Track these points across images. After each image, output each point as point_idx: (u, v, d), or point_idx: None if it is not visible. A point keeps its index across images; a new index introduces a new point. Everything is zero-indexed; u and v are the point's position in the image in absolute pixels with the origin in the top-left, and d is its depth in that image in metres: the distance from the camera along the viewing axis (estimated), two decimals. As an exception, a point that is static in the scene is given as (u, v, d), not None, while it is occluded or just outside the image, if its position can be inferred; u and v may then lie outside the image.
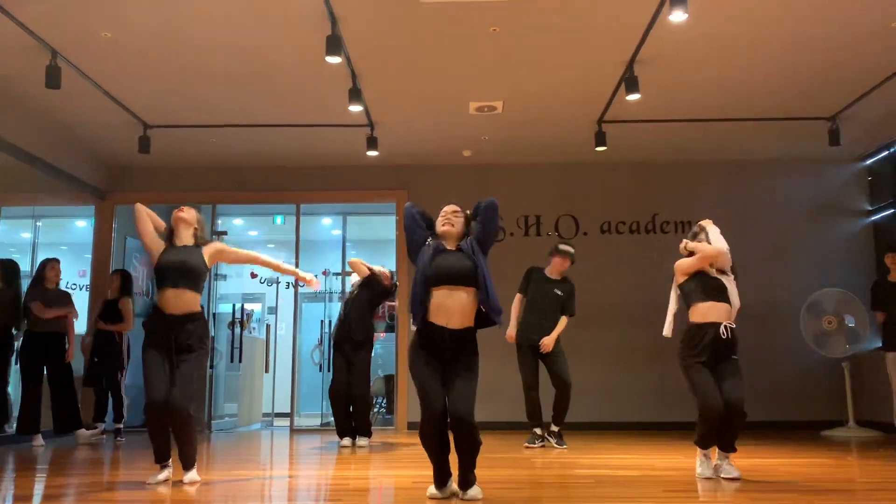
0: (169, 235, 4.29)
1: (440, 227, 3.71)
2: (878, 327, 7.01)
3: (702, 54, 5.83)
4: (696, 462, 4.33)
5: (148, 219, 4.27)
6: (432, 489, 3.62)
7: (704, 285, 4.37)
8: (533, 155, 8.29)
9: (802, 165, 8.41)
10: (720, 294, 4.34)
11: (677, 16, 4.69)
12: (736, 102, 6.82)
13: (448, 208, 3.78)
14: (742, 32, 5.48)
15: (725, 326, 4.27)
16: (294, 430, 8.21)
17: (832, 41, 5.60)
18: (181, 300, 4.08)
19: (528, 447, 6.06)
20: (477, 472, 3.57)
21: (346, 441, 6.26)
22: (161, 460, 4.10)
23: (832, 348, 7.42)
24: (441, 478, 3.59)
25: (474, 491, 3.52)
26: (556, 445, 6.07)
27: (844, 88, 6.50)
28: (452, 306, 3.52)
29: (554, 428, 6.16)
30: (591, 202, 8.48)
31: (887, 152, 8.03)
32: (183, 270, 4.10)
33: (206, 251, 4.27)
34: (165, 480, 4.08)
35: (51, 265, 6.80)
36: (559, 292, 6.20)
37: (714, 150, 8.15)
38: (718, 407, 4.10)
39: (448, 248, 3.66)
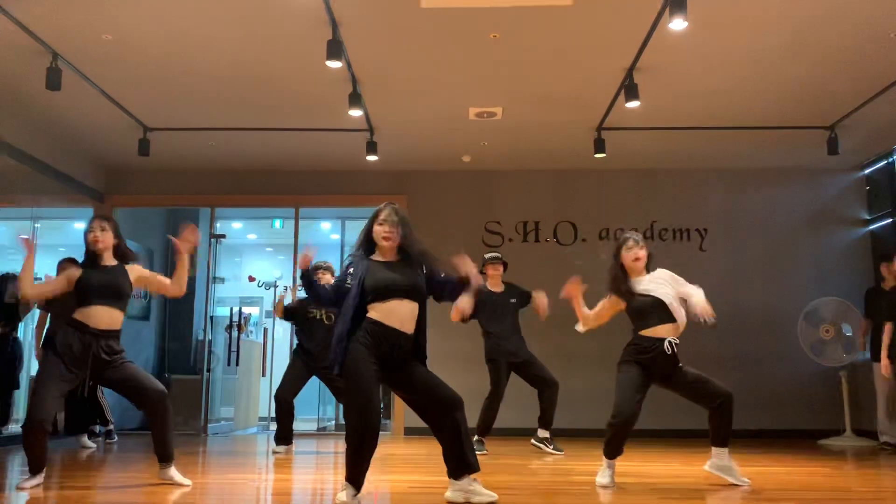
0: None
1: (380, 239, 3.61)
2: (865, 335, 7.13)
3: (701, 62, 5.84)
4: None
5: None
6: (345, 496, 3.40)
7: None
8: (532, 161, 8.30)
9: (801, 174, 8.42)
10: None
11: (677, 24, 4.71)
12: (735, 111, 6.83)
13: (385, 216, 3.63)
14: (741, 41, 5.50)
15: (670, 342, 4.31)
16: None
17: (831, 51, 5.62)
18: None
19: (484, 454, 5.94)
20: (474, 477, 3.57)
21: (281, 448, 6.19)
22: (38, 470, 4.06)
23: (829, 357, 7.42)
24: (360, 481, 3.43)
25: (487, 497, 3.50)
26: (553, 452, 6.05)
27: (843, 98, 6.52)
28: (405, 313, 3.50)
29: (545, 433, 6.14)
30: (590, 209, 8.49)
31: (885, 162, 8.05)
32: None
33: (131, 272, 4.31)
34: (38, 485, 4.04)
35: (60, 267, 6.83)
36: (514, 300, 6.24)
37: (713, 158, 8.16)
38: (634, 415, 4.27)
39: (386, 260, 3.61)
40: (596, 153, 7.27)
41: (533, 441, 6.18)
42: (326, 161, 8.26)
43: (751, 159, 8.16)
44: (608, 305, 4.47)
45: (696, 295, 4.20)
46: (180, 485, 4.11)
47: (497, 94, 6.53)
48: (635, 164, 8.32)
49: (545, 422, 6.15)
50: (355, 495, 3.40)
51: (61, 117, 6.97)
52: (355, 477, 3.40)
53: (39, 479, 4.07)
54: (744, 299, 8.06)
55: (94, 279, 4.17)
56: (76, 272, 4.22)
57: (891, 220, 7.95)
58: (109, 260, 4.28)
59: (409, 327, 3.51)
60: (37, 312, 8.05)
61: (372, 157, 7.45)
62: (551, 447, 6.08)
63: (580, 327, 4.61)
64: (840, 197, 8.45)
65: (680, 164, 8.34)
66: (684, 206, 8.45)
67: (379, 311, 3.47)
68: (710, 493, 4.07)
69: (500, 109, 6.83)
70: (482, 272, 6.31)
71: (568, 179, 8.54)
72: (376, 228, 3.61)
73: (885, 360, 6.22)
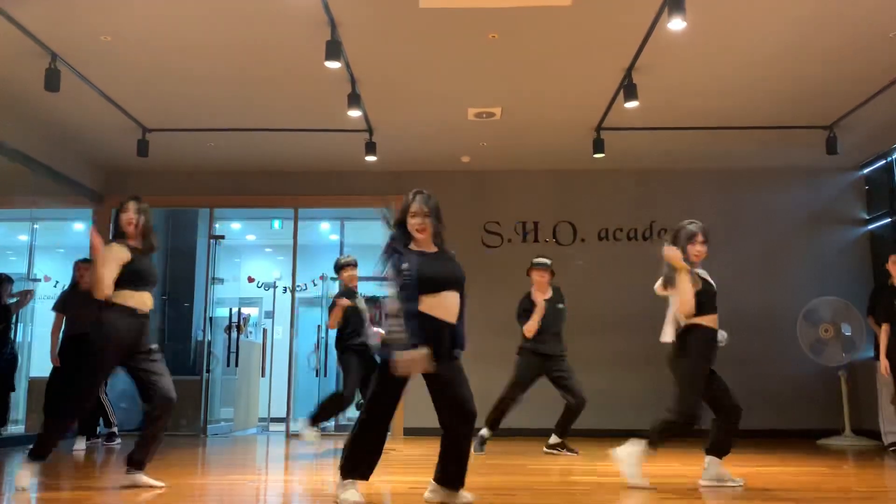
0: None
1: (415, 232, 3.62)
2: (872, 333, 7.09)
3: (700, 63, 5.85)
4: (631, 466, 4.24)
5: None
6: (350, 494, 3.52)
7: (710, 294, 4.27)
8: (531, 161, 8.30)
9: (800, 174, 8.43)
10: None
11: (676, 23, 4.71)
12: (734, 111, 6.83)
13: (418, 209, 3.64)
14: (740, 41, 5.50)
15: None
16: (290, 435, 8.20)
17: (831, 50, 5.62)
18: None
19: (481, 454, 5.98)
20: (471, 478, 3.58)
21: None
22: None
23: (828, 357, 7.42)
24: (353, 471, 3.57)
25: (467, 497, 3.54)
26: (568, 453, 6.07)
27: (842, 97, 6.52)
28: (452, 304, 3.53)
29: (557, 440, 6.13)
30: (589, 209, 8.49)
31: (884, 161, 8.05)
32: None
33: None
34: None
35: (77, 267, 6.88)
36: (560, 305, 6.21)
37: (712, 158, 8.17)
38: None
39: (427, 250, 3.63)
40: (595, 153, 7.28)
41: (545, 449, 6.15)
42: (325, 162, 8.26)
43: (750, 159, 8.16)
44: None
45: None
46: (152, 486, 4.07)
47: (496, 95, 6.53)
48: (634, 164, 8.32)
49: (560, 429, 6.13)
50: (345, 483, 3.48)
51: (60, 118, 6.97)
52: (347, 467, 3.48)
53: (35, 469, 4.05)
54: (743, 299, 8.06)
55: (142, 264, 4.18)
56: (124, 254, 4.12)
57: (889, 219, 7.95)
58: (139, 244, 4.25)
59: (454, 318, 3.54)
60: (35, 313, 8.06)
61: (371, 158, 7.45)
62: (564, 451, 6.08)
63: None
64: (839, 197, 8.46)
65: (679, 164, 8.35)
66: (683, 206, 8.44)
67: (428, 304, 3.48)
68: (707, 492, 4.07)
69: (499, 109, 6.83)
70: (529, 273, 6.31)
71: (567, 180, 8.54)
72: (410, 221, 3.63)
73: (883, 361, 6.23)
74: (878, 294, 7.09)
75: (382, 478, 4.80)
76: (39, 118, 6.91)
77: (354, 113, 6.40)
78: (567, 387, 6.06)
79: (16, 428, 7.57)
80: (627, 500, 3.88)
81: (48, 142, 7.35)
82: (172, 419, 8.08)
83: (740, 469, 4.75)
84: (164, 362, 4.21)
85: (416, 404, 7.84)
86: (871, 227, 8.32)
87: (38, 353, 9.08)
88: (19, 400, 7.90)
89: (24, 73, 5.78)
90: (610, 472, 5.00)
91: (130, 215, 4.23)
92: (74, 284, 6.82)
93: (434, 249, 3.65)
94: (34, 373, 8.71)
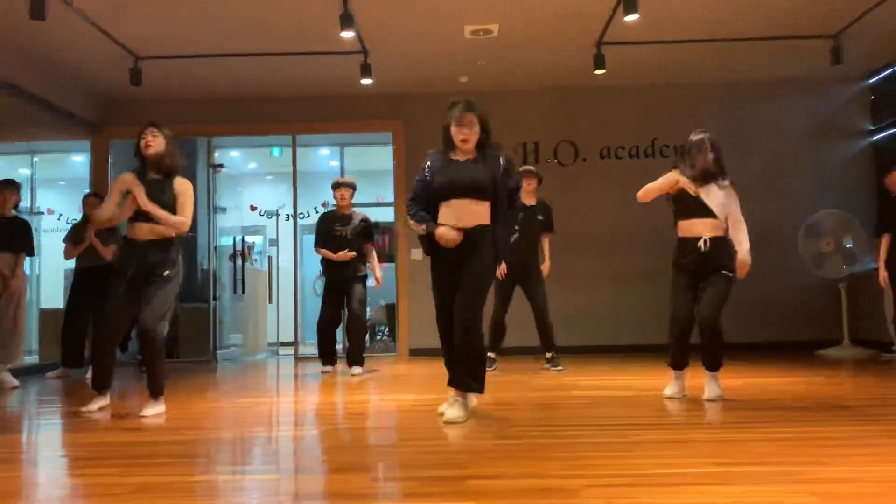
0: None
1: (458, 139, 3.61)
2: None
3: (702, -29, 5.67)
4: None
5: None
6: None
7: (685, 204, 4.40)
8: (530, 80, 8.17)
9: (804, 85, 8.28)
10: (702, 210, 4.35)
11: (676, -69, 4.55)
12: (737, 22, 6.66)
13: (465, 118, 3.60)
14: (743, -53, 5.32)
15: (705, 240, 4.23)
16: (299, 359, 8.38)
17: (836, -45, 5.44)
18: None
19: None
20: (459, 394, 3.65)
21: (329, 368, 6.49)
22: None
23: (829, 269, 7.48)
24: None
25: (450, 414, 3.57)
26: (553, 369, 6.16)
27: (848, 6, 6.34)
28: (463, 211, 3.58)
29: (547, 354, 6.26)
30: (591, 127, 8.40)
31: (890, 71, 7.89)
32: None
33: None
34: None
35: (85, 200, 6.89)
36: (540, 217, 6.25)
37: (714, 72, 8.02)
38: (680, 322, 4.20)
39: (462, 158, 3.64)
40: (595, 70, 7.14)
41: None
42: (321, 87, 8.14)
43: (754, 71, 8.01)
44: None
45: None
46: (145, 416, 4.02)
47: (492, 11, 6.37)
48: (635, 80, 8.18)
49: (543, 345, 6.28)
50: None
51: (51, 50, 6.84)
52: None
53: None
54: (745, 212, 8.05)
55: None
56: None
57: (894, 130, 7.85)
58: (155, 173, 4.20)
59: (466, 222, 3.55)
60: (42, 247, 8.11)
61: (367, 81, 7.32)
62: (549, 366, 6.21)
63: None
64: (843, 108, 8.33)
65: (681, 78, 8.20)
66: (685, 122, 8.27)
67: (442, 211, 3.55)
68: (700, 403, 4.17)
69: (496, 26, 6.67)
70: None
71: (568, 98, 8.42)
72: (454, 130, 3.60)
73: (882, 272, 6.27)
74: (886, 208, 7.01)
75: (388, 396, 4.93)
76: (29, 50, 6.79)
77: (348, 34, 6.26)
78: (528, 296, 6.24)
79: (30, 358, 7.75)
80: (624, 413, 3.98)
81: (41, 74, 7.23)
82: (182, 346, 8.28)
83: (736, 381, 4.85)
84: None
85: (420, 326, 7.99)
86: (875, 138, 8.22)
87: (47, 285, 9.22)
88: (32, 331, 8.06)
89: (9, 2, 5.65)
90: (609, 386, 5.12)
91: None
92: (85, 217, 6.82)
93: (473, 156, 3.63)
94: (45, 304, 8.87)
